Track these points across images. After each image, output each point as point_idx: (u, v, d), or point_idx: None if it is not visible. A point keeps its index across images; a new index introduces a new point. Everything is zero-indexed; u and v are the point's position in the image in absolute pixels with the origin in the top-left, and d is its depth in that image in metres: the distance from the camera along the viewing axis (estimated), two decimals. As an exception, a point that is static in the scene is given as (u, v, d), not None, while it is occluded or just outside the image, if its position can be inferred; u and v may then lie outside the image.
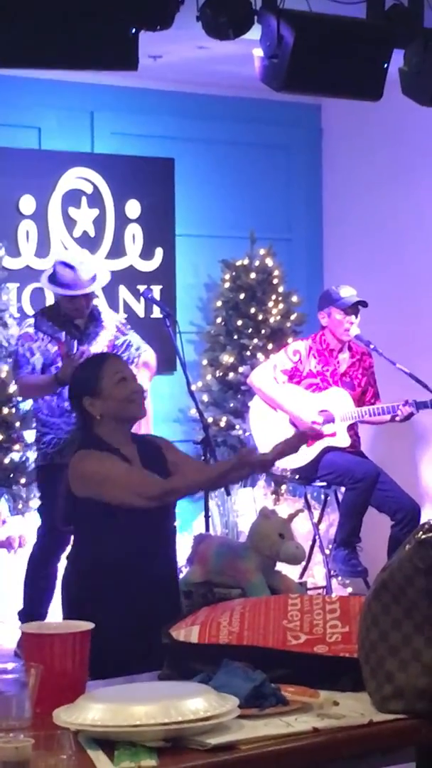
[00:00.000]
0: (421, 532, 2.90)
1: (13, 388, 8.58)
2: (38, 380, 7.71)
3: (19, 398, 8.60)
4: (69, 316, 7.86)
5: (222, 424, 9.26)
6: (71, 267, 7.82)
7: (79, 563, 5.90)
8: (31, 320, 7.94)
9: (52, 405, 7.73)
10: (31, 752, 2.47)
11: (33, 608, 7.68)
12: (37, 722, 2.70)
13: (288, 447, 5.98)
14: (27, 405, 8.65)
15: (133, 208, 9.62)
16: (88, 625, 2.98)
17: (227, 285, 9.66)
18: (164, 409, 9.11)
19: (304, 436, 6.58)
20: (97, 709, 2.72)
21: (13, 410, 8.58)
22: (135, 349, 7.96)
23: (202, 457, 8.25)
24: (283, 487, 9.24)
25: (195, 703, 2.73)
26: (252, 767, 2.73)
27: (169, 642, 3.14)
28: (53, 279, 7.92)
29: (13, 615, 7.72)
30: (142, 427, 7.62)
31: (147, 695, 2.79)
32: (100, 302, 8.32)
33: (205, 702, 2.74)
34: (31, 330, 7.82)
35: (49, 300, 8.76)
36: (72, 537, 6.38)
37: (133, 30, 6.80)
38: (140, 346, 7.99)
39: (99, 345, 7.81)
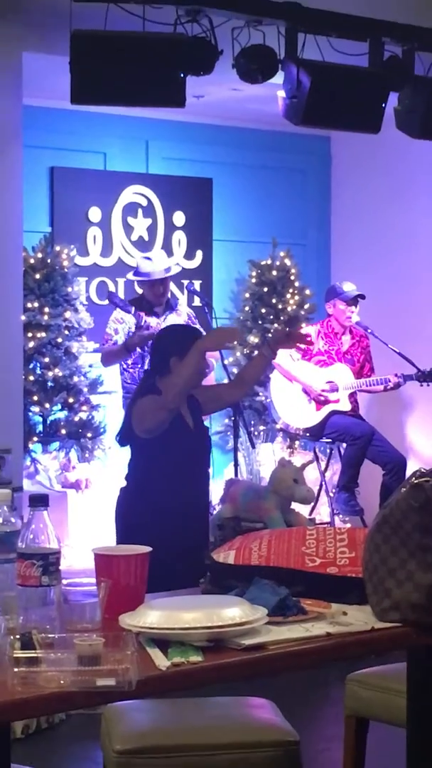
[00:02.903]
0: (414, 477, 2.89)
1: (83, 359, 8.59)
2: (113, 348, 7.89)
3: (86, 369, 8.60)
4: (151, 303, 7.96)
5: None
6: (150, 260, 8.08)
7: (131, 498, 5.89)
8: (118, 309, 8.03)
9: (135, 375, 7.80)
10: (102, 648, 2.47)
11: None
12: (106, 625, 2.70)
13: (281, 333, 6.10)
14: (93, 374, 8.66)
15: (179, 218, 9.60)
16: (146, 549, 2.98)
17: (254, 280, 9.65)
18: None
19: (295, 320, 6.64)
20: (154, 615, 2.71)
21: (82, 378, 8.58)
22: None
23: (233, 418, 8.26)
24: (297, 442, 9.23)
25: (232, 612, 2.72)
26: (277, 663, 2.72)
27: (210, 563, 3.14)
28: (137, 271, 8.15)
29: (82, 541, 7.72)
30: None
31: (194, 605, 2.78)
32: (179, 296, 8.38)
33: (240, 611, 2.74)
34: (120, 315, 7.91)
35: (120, 292, 9.00)
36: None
37: (182, 74, 6.79)
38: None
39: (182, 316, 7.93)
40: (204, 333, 6.28)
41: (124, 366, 7.97)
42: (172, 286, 9.05)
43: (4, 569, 2.77)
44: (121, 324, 7.86)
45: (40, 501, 2.77)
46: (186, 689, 2.72)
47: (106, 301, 8.94)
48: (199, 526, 5.80)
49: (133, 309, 7.93)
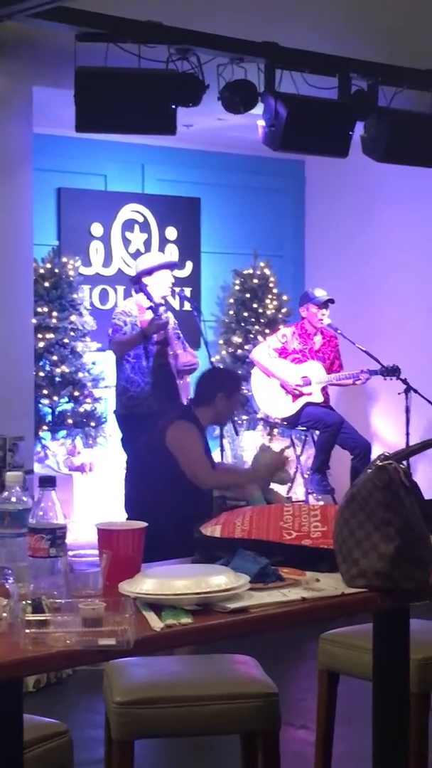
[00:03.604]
0: (378, 460, 2.89)
1: (86, 357, 8.58)
2: (129, 337, 7.69)
3: (90, 366, 8.58)
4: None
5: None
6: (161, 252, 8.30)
7: (142, 485, 5.91)
8: (128, 302, 7.92)
9: (135, 366, 7.70)
10: (103, 612, 2.46)
11: None
12: (107, 592, 2.69)
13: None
14: (96, 370, 8.64)
15: (171, 232, 9.59)
16: (142, 524, 2.97)
17: (237, 287, 9.64)
18: (191, 376, 9.10)
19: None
20: (149, 583, 2.70)
21: (86, 374, 8.57)
22: (181, 341, 7.97)
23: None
24: (276, 430, 9.23)
25: (218, 579, 2.71)
26: (258, 624, 2.72)
27: (199, 536, 3.13)
28: (163, 265, 8.01)
29: (86, 518, 7.71)
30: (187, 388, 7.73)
31: (185, 573, 2.78)
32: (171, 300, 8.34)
33: (226, 578, 2.73)
34: (127, 308, 7.78)
35: (112, 301, 8.92)
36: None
37: (173, 106, 6.79)
38: (184, 341, 8.01)
39: (171, 319, 7.83)
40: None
41: (127, 358, 7.82)
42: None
43: (17, 542, 2.77)
44: (129, 317, 7.76)
45: (48, 482, 2.76)
46: (178, 647, 2.72)
47: (108, 306, 8.95)
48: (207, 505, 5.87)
49: (154, 300, 7.81)
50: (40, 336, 8.26)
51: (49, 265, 8.53)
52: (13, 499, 2.80)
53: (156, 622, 2.58)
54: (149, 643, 2.54)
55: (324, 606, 2.80)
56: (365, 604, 2.91)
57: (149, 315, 7.66)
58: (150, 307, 7.68)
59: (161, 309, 7.74)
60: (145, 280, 7.88)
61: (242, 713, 3.27)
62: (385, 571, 2.83)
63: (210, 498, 6.11)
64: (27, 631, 2.39)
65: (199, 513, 5.36)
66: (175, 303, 9.04)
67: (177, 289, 8.30)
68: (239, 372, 8.83)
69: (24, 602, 2.49)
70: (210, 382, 6.06)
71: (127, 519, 5.78)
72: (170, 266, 8.11)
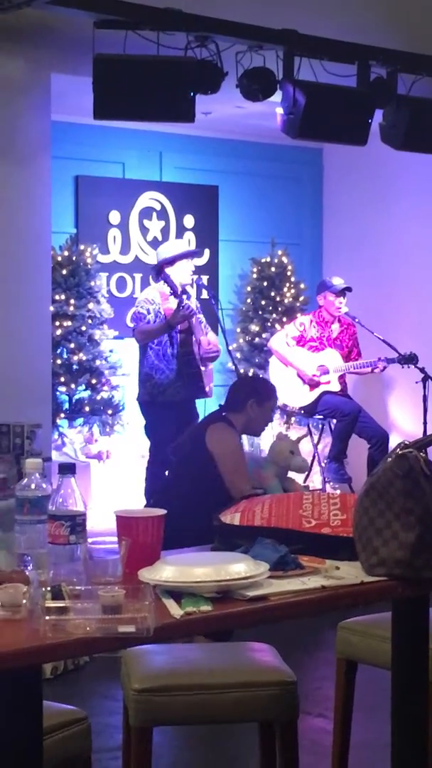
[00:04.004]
0: (399, 449, 2.88)
1: (104, 345, 8.57)
2: (154, 326, 7.71)
3: (107, 354, 8.57)
4: (183, 285, 7.95)
5: (250, 374, 9.23)
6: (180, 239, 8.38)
7: (166, 478, 5.92)
8: (151, 290, 7.91)
9: (159, 353, 7.71)
10: (123, 599, 2.46)
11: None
12: (126, 579, 2.69)
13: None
14: (114, 358, 8.64)
15: (189, 220, 9.58)
16: (161, 512, 2.97)
17: (255, 276, 9.63)
18: (215, 363, 9.11)
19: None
20: (169, 570, 2.70)
21: (104, 362, 8.56)
22: (204, 326, 7.97)
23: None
24: (293, 419, 9.22)
25: (238, 567, 2.71)
26: (277, 612, 2.71)
27: (219, 524, 3.13)
28: (186, 253, 8.06)
29: (103, 506, 7.72)
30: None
31: (204, 561, 2.77)
32: (189, 289, 8.30)
33: (245, 566, 2.72)
34: (150, 296, 7.78)
35: (129, 289, 8.89)
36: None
37: (191, 93, 6.77)
38: (206, 324, 8.01)
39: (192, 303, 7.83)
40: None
41: (151, 345, 7.81)
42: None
43: (36, 529, 2.76)
44: (152, 305, 7.77)
45: (68, 469, 2.76)
46: (198, 635, 2.71)
47: (125, 294, 8.96)
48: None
49: (178, 290, 7.81)
50: (57, 324, 8.26)
51: (66, 253, 8.53)
52: (33, 486, 2.80)
53: (176, 610, 2.57)
54: (169, 631, 2.53)
55: (344, 594, 2.79)
56: (385, 593, 2.90)
57: (173, 302, 7.66)
58: (174, 295, 7.69)
59: (184, 298, 7.73)
60: (167, 269, 7.89)
61: (260, 701, 3.26)
62: (406, 560, 2.82)
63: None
64: (47, 618, 2.39)
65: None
66: (193, 291, 9.03)
67: (194, 277, 8.29)
68: (257, 360, 8.84)
69: (44, 589, 2.49)
70: (242, 389, 6.07)
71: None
72: (192, 255, 8.12)
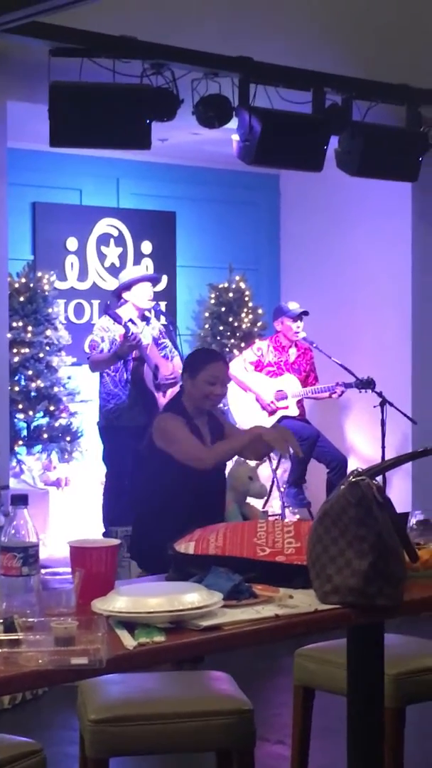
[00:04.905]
0: (351, 476, 2.89)
1: (62, 372, 8.55)
2: (103, 356, 7.79)
3: (65, 381, 8.55)
4: (140, 310, 7.97)
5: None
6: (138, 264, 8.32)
7: (144, 492, 5.75)
8: (106, 319, 7.89)
9: (116, 379, 7.77)
10: (76, 630, 2.45)
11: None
12: (80, 610, 2.68)
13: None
14: (72, 385, 8.62)
15: (146, 246, 9.58)
16: (115, 542, 2.96)
17: (212, 301, 9.62)
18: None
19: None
20: (122, 600, 2.70)
21: (62, 388, 8.54)
22: (170, 350, 7.99)
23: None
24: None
25: (191, 597, 2.71)
26: (231, 642, 2.72)
27: (173, 553, 3.12)
28: (144, 278, 8.10)
29: (62, 532, 7.69)
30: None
31: (157, 591, 2.77)
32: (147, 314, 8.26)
33: (199, 596, 2.72)
34: (106, 324, 7.79)
35: (87, 315, 8.97)
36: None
37: (147, 121, 6.79)
38: (172, 349, 8.01)
39: (145, 336, 7.82)
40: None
41: (107, 371, 7.86)
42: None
43: (-11, 561, 2.75)
44: (107, 332, 7.80)
45: (20, 500, 2.75)
46: (151, 666, 2.71)
47: (83, 320, 8.95)
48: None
49: (122, 321, 7.80)
50: (15, 351, 8.23)
51: (24, 280, 8.50)
52: (-15, 518, 2.79)
53: (129, 641, 2.57)
54: (122, 662, 2.53)
55: (298, 623, 2.80)
56: (339, 621, 2.91)
57: (132, 328, 7.69)
58: (120, 324, 7.70)
59: (132, 327, 7.73)
60: (125, 295, 7.92)
61: (216, 730, 3.26)
62: (359, 588, 2.83)
63: (221, 503, 5.82)
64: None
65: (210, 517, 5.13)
66: (152, 316, 9.03)
67: (152, 303, 8.29)
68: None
69: (-4, 621, 2.48)
70: (186, 366, 5.86)
71: (133, 527, 5.67)
72: (148, 279, 8.13)
